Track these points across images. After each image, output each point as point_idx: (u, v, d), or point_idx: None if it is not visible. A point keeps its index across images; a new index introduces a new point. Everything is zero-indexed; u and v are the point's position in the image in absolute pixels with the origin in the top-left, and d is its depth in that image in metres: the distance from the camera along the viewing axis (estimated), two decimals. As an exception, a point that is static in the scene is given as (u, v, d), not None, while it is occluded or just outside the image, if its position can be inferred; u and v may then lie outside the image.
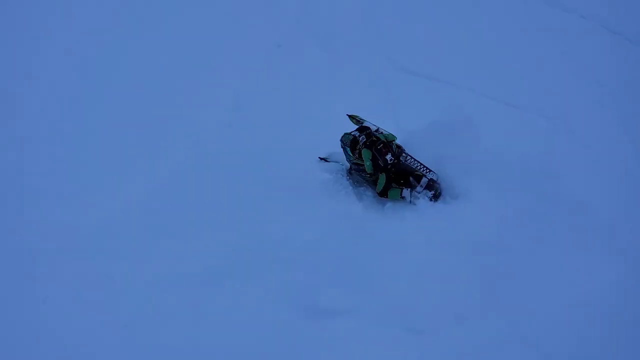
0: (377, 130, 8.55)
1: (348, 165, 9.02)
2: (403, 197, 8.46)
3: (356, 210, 8.44)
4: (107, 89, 10.57)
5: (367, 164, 8.32)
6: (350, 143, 8.52)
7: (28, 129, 9.95)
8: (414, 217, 8.04)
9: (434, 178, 8.53)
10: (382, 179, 8.37)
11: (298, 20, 10.72)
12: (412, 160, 8.79)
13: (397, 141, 8.66)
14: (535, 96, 9.55)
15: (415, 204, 8.35)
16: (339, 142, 8.74)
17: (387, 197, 8.47)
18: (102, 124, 10.22)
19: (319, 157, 9.25)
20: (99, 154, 9.60)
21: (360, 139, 8.38)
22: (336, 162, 9.21)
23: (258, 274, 7.57)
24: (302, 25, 10.72)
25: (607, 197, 8.16)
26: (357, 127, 8.63)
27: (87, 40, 11.53)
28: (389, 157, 8.31)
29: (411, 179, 8.47)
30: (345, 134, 8.66)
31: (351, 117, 8.72)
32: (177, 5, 11.25)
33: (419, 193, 8.40)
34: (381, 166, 8.31)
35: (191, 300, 7.49)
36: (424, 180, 8.42)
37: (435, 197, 8.42)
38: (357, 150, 8.47)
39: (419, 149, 8.87)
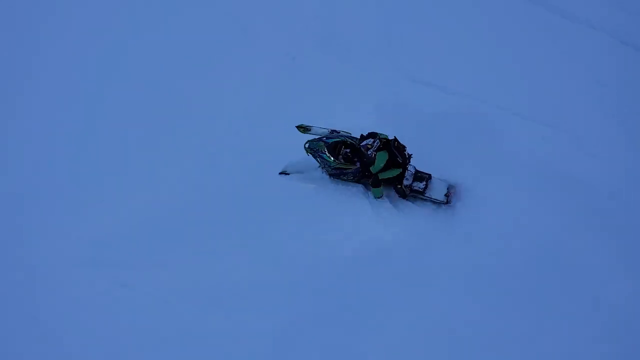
0: (333, 132, 8.80)
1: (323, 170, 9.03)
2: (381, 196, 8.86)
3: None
4: (111, 107, 10.45)
5: (380, 165, 8.46)
6: (327, 149, 8.69)
7: (34, 138, 9.76)
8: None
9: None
10: (393, 172, 8.60)
11: (310, 31, 10.63)
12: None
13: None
14: (547, 108, 9.72)
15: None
16: (306, 152, 8.83)
17: (376, 187, 8.76)
18: (106, 131, 10.11)
19: (280, 173, 9.26)
20: (106, 164, 9.55)
21: (375, 143, 8.46)
22: (299, 172, 9.27)
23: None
24: (316, 36, 10.66)
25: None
26: (309, 134, 8.79)
27: (88, 41, 11.30)
28: (407, 151, 8.58)
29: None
30: (311, 141, 8.82)
31: (299, 127, 8.80)
32: (200, 22, 11.13)
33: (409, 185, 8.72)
34: (399, 162, 8.52)
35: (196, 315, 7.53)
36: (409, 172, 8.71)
37: (447, 196, 8.79)
38: (342, 155, 8.64)
39: (430, 156, 9.01)
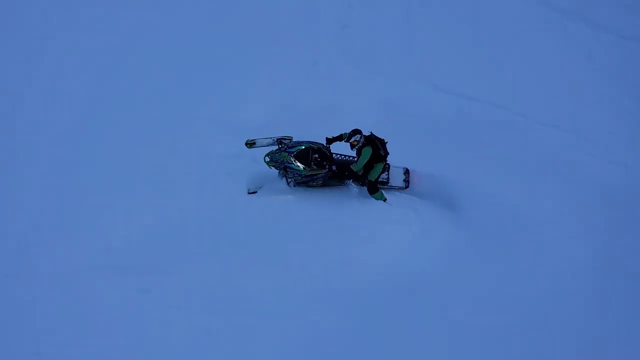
0: (279, 141, 8.80)
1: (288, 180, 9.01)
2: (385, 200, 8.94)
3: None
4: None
5: (364, 162, 8.59)
6: (298, 158, 8.67)
7: (47, 143, 9.72)
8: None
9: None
10: (378, 168, 8.76)
11: (333, 37, 10.67)
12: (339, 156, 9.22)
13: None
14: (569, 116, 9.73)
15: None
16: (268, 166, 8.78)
17: (375, 192, 8.89)
18: (121, 138, 10.00)
19: (249, 193, 9.13)
20: (123, 171, 9.41)
21: (361, 139, 8.54)
22: (259, 187, 9.19)
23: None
24: (339, 43, 10.69)
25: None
26: (283, 143, 8.77)
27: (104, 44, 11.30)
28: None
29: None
30: (270, 154, 8.80)
31: (247, 143, 8.84)
32: (217, 25, 11.16)
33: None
34: (382, 155, 8.70)
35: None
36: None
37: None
38: (313, 161, 8.72)
39: (446, 160, 9.11)
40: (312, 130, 9.16)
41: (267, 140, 8.80)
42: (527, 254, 8.36)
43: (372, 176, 8.80)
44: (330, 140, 8.83)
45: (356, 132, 8.54)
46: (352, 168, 8.70)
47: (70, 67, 10.69)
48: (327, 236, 8.53)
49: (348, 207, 8.84)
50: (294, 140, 8.83)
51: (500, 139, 9.53)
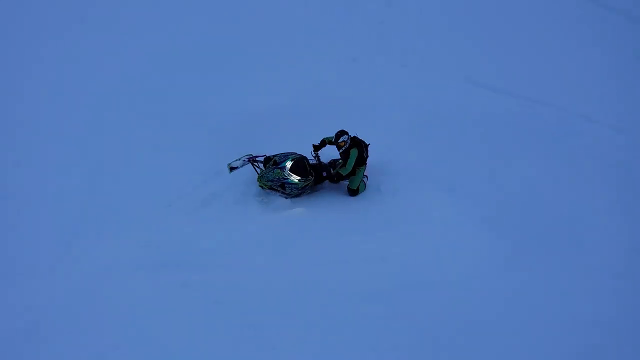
0: (251, 157, 8.82)
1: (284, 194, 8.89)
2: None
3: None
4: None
5: (352, 163, 8.57)
6: (293, 171, 8.62)
7: (84, 143, 9.86)
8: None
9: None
10: (360, 173, 8.76)
11: (373, 33, 10.60)
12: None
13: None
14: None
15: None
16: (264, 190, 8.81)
17: (357, 193, 8.90)
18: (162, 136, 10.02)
19: (230, 169, 9.01)
20: (164, 170, 9.48)
21: (347, 140, 8.49)
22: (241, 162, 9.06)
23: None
24: (377, 39, 10.62)
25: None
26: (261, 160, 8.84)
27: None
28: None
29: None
30: (262, 175, 8.71)
31: (230, 168, 8.89)
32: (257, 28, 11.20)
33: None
34: (364, 158, 8.72)
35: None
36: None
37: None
38: (309, 171, 8.70)
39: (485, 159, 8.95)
40: (333, 124, 9.06)
41: (242, 159, 8.86)
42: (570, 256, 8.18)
43: (354, 184, 8.84)
44: (317, 147, 8.79)
45: (343, 132, 8.51)
46: (342, 172, 8.67)
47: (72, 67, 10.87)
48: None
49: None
50: (267, 155, 8.88)
51: (543, 138, 9.32)
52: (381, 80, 10.13)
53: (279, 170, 8.65)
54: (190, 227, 8.56)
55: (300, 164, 8.71)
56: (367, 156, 8.78)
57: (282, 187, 8.74)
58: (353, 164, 8.59)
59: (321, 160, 8.97)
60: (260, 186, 8.84)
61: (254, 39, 11.28)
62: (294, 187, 8.76)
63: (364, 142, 8.74)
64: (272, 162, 8.75)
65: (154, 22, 11.92)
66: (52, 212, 8.61)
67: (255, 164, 8.95)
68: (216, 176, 9.25)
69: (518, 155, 9.26)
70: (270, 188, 8.77)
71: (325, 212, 8.82)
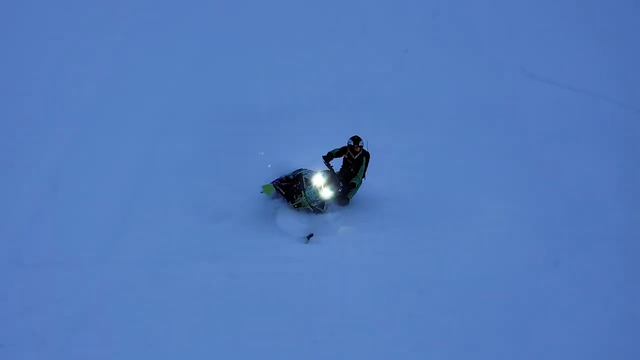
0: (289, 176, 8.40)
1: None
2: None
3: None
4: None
5: (364, 171, 8.36)
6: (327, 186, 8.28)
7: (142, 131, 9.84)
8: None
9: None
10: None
11: (425, 26, 10.45)
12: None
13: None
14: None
15: None
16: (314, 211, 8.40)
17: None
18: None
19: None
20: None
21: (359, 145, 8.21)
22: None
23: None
24: (429, 30, 10.47)
25: None
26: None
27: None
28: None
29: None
30: (305, 198, 8.25)
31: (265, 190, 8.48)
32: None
33: None
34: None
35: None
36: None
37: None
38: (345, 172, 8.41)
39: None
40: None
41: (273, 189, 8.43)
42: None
43: (353, 194, 8.52)
44: (328, 158, 8.42)
45: (358, 138, 8.26)
46: (355, 182, 8.30)
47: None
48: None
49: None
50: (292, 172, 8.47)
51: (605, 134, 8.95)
52: (433, 73, 9.93)
53: (318, 188, 8.27)
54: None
55: (330, 177, 8.35)
56: None
57: (322, 207, 8.37)
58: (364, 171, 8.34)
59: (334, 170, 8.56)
60: (314, 210, 8.39)
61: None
62: (327, 203, 8.42)
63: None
64: (303, 181, 8.30)
65: (155, 21, 11.92)
66: (104, 200, 8.60)
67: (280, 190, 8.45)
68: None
69: (578, 153, 8.90)
70: (318, 209, 8.39)
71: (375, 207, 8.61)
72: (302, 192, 8.27)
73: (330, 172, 8.43)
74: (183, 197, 8.72)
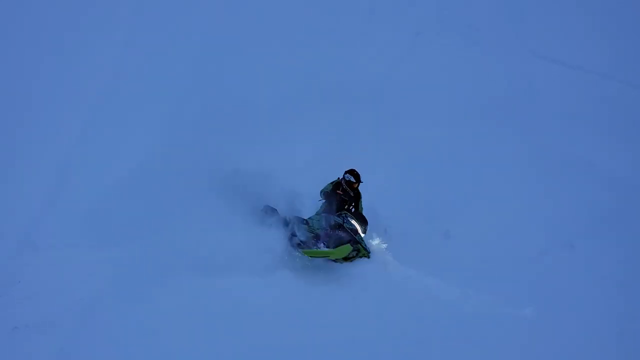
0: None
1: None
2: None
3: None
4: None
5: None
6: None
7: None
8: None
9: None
10: None
11: (436, 9, 10.36)
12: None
13: None
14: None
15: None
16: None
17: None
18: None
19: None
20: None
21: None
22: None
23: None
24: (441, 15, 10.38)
25: None
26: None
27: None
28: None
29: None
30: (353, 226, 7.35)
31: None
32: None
33: None
34: None
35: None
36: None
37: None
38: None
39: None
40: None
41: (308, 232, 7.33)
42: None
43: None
44: (327, 197, 7.61)
45: (358, 174, 7.53)
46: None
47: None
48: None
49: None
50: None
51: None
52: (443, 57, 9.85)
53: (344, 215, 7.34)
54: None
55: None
56: None
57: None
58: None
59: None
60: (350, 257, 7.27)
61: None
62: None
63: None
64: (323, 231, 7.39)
65: (155, 21, 11.90)
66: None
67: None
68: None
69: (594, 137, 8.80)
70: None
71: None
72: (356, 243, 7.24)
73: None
74: (184, 195, 8.66)
